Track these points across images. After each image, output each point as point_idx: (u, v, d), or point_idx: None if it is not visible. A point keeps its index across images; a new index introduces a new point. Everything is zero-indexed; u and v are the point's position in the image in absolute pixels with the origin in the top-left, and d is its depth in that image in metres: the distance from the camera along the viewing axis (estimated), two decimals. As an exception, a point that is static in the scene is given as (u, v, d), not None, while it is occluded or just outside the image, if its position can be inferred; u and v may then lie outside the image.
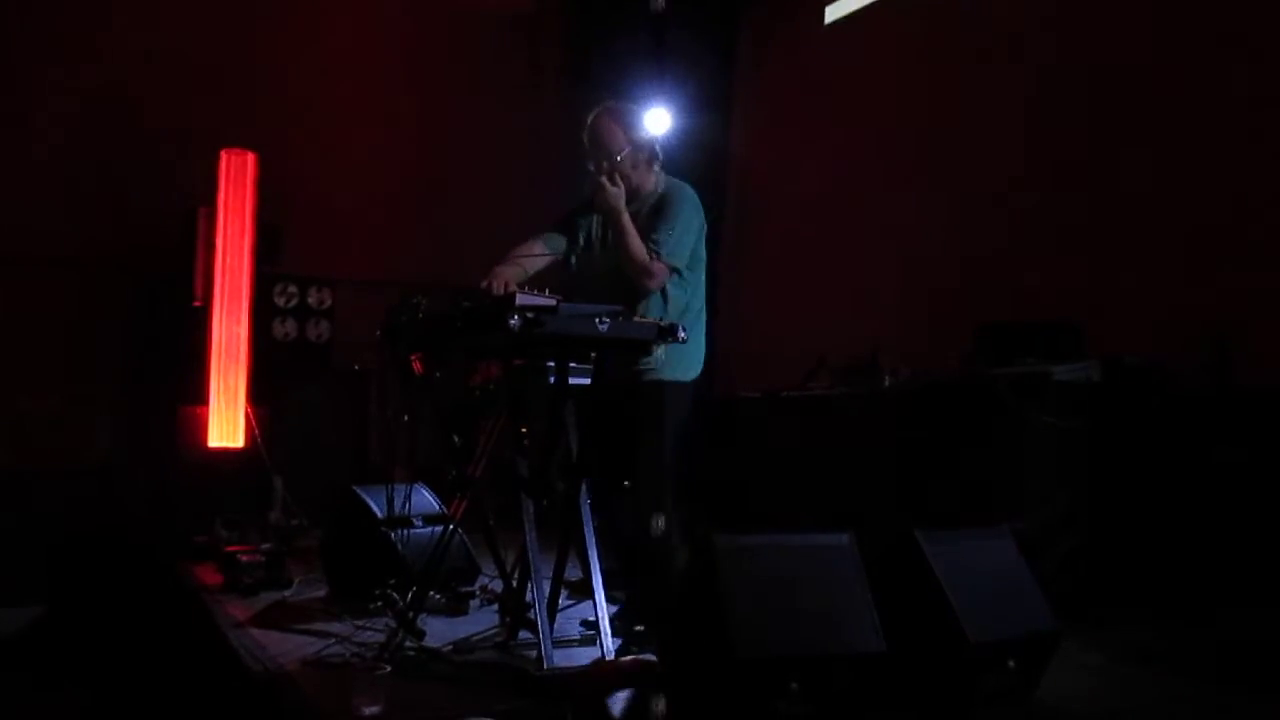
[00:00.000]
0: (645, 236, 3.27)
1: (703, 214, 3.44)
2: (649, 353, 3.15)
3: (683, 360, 3.37)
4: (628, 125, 3.36)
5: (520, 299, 2.83)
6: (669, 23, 6.48)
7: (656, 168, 3.45)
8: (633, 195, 3.34)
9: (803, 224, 6.48)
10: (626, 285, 3.29)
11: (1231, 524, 3.61)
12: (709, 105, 6.65)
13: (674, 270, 3.32)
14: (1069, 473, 3.88)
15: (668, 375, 3.36)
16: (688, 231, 3.34)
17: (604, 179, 3.24)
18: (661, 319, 3.15)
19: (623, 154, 3.31)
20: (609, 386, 3.28)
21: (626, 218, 3.24)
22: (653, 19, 6.16)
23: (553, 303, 2.87)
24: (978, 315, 4.70)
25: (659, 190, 3.43)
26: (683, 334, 3.01)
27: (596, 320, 2.89)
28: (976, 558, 2.77)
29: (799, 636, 2.50)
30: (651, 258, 3.24)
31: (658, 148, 3.43)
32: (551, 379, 3.27)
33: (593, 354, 3.18)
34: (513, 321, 2.73)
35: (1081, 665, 3.07)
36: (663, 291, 3.34)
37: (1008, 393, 3.88)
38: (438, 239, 6.85)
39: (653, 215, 3.35)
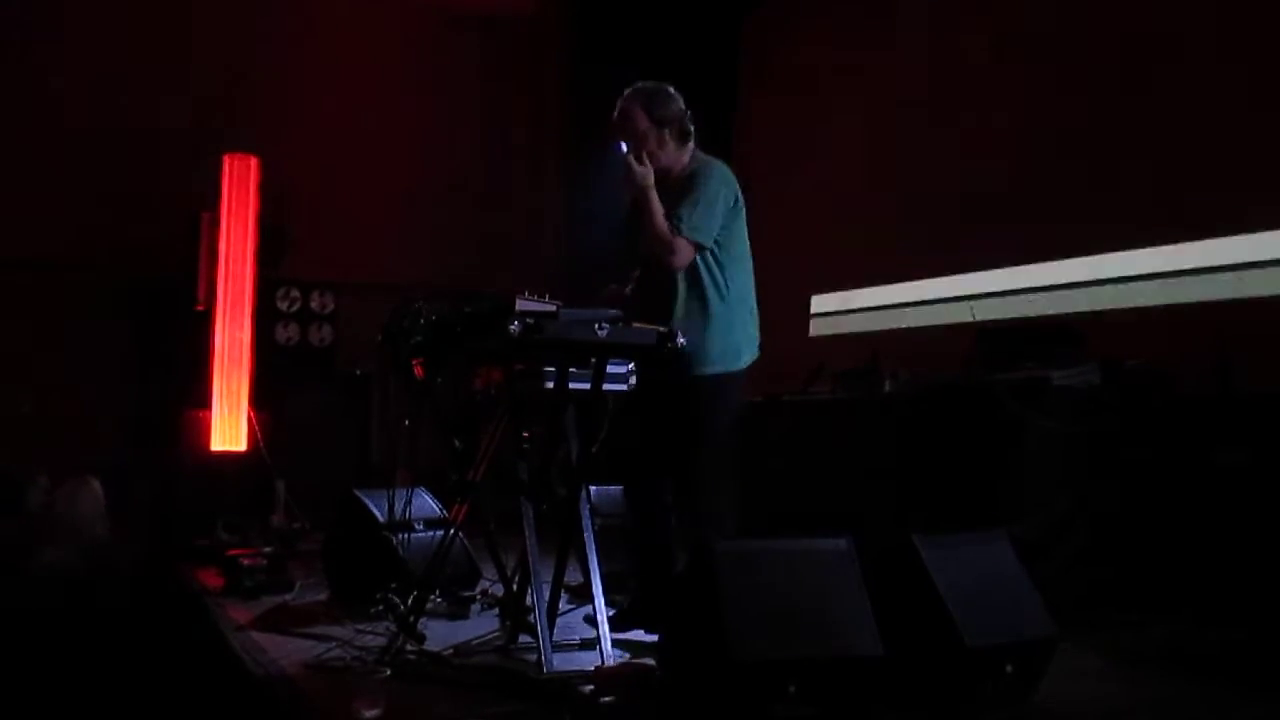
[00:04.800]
0: (670, 213, 3.22)
1: (734, 189, 3.35)
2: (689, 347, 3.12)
3: (726, 352, 3.31)
4: (651, 104, 3.31)
5: (520, 304, 2.84)
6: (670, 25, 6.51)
7: (690, 145, 3.38)
8: (664, 174, 3.29)
9: (804, 227, 6.49)
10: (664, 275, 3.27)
11: (1232, 528, 3.61)
12: (711, 108, 6.64)
13: (699, 246, 3.24)
14: (1069, 477, 3.88)
15: (709, 370, 3.29)
16: (712, 205, 3.25)
17: (630, 159, 3.21)
18: (691, 308, 3.17)
19: (646, 133, 3.28)
20: (652, 383, 3.26)
21: (652, 196, 3.19)
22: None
23: (553, 308, 2.89)
24: (978, 318, 4.71)
25: (691, 168, 3.36)
26: (681, 340, 2.98)
27: (596, 326, 2.90)
28: (974, 562, 2.77)
29: (797, 640, 2.50)
30: (673, 233, 3.20)
31: (688, 125, 3.36)
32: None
33: (593, 359, 3.19)
34: (513, 326, 2.74)
35: (1080, 669, 3.06)
36: (697, 278, 3.27)
37: (1008, 397, 3.89)
38: (440, 244, 6.88)
39: (678, 192, 3.28)
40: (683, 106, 3.36)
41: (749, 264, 3.41)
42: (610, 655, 2.99)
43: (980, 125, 5.42)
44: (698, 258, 3.27)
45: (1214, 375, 3.86)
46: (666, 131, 3.32)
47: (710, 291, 3.30)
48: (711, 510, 3.30)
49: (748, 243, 3.41)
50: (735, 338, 3.34)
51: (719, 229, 3.29)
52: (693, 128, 3.38)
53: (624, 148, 3.27)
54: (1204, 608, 3.56)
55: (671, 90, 3.37)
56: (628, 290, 3.46)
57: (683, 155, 3.38)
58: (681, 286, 3.30)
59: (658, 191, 3.22)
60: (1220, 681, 3.06)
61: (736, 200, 3.36)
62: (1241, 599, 3.50)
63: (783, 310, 6.40)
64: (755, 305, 3.44)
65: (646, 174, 3.20)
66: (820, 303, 6.27)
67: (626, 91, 3.38)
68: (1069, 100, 5.00)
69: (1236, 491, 3.63)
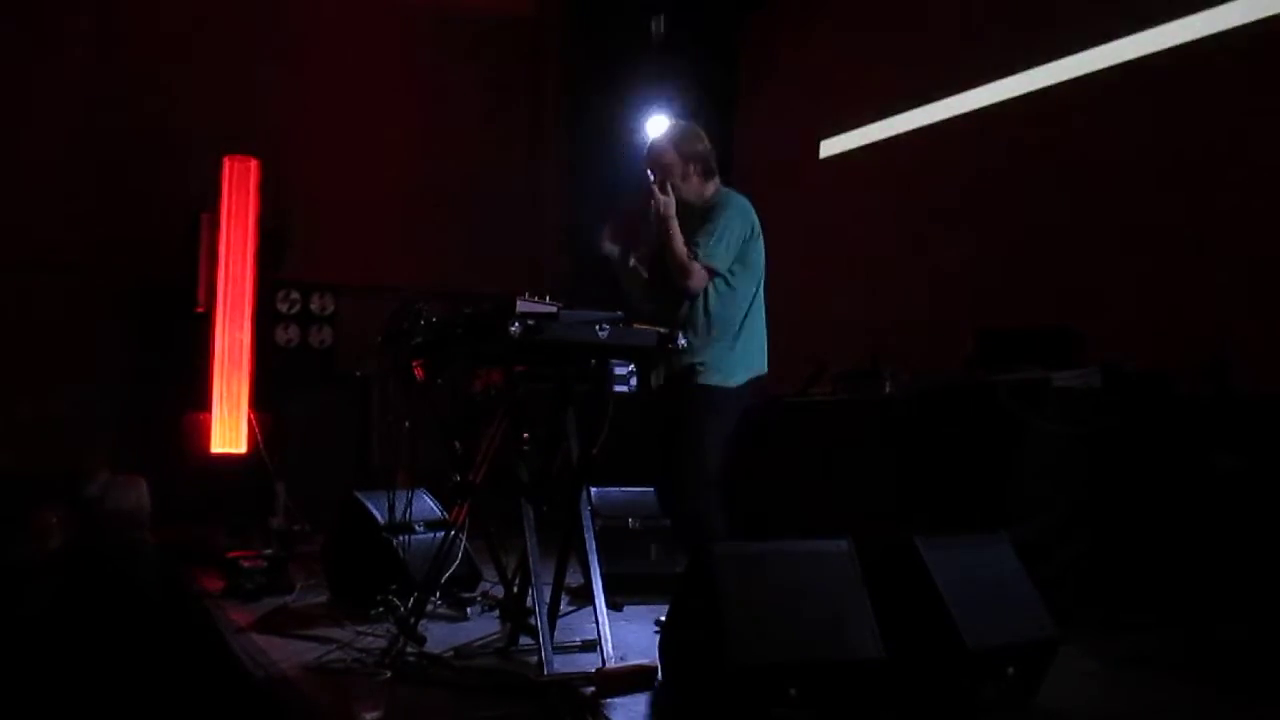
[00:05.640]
0: (689, 240, 3.40)
1: (751, 221, 3.53)
2: (697, 357, 3.36)
3: (723, 366, 3.45)
4: (678, 141, 3.57)
5: (521, 305, 2.84)
6: (671, 28, 6.52)
7: (714, 181, 3.61)
8: (686, 206, 3.49)
9: (803, 228, 6.49)
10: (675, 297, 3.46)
11: (1230, 530, 3.61)
12: (711, 109, 6.66)
13: (713, 272, 3.41)
14: (1069, 479, 3.88)
15: (710, 380, 3.44)
16: (727, 233, 3.44)
17: (654, 188, 3.41)
18: (697, 324, 3.36)
19: (672, 165, 3.50)
20: (664, 387, 3.45)
21: (673, 224, 3.38)
22: (652, 37, 6.23)
23: (553, 309, 2.89)
24: (978, 321, 4.71)
25: (713, 201, 3.57)
26: (682, 342, 3.06)
27: (596, 327, 2.91)
28: (975, 565, 2.78)
29: (798, 643, 2.51)
30: (690, 258, 3.35)
31: (713, 163, 3.61)
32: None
33: (593, 360, 3.19)
34: (513, 328, 2.75)
35: (1080, 672, 3.07)
36: (706, 303, 3.45)
37: (1008, 399, 3.89)
38: (440, 245, 6.88)
39: (700, 222, 3.48)
40: (709, 146, 3.63)
41: (760, 290, 3.57)
42: (611, 656, 2.99)
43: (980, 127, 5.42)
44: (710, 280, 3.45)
45: (1210, 376, 3.87)
46: (691, 166, 3.56)
47: (715, 310, 3.45)
48: (695, 514, 3.39)
49: (763, 270, 3.58)
50: (736, 356, 3.47)
51: (734, 258, 3.46)
52: (717, 166, 3.63)
53: (651, 177, 3.47)
54: (1204, 609, 3.56)
55: (699, 130, 3.67)
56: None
57: (706, 189, 3.59)
58: (687, 303, 3.46)
59: (682, 220, 3.43)
60: (1221, 684, 3.06)
61: (753, 231, 3.53)
62: (1241, 600, 3.50)
63: (783, 312, 6.43)
64: (764, 328, 3.59)
65: (668, 203, 3.40)
66: (821, 305, 6.25)
67: (659, 129, 3.69)
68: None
69: (1236, 493, 3.63)
